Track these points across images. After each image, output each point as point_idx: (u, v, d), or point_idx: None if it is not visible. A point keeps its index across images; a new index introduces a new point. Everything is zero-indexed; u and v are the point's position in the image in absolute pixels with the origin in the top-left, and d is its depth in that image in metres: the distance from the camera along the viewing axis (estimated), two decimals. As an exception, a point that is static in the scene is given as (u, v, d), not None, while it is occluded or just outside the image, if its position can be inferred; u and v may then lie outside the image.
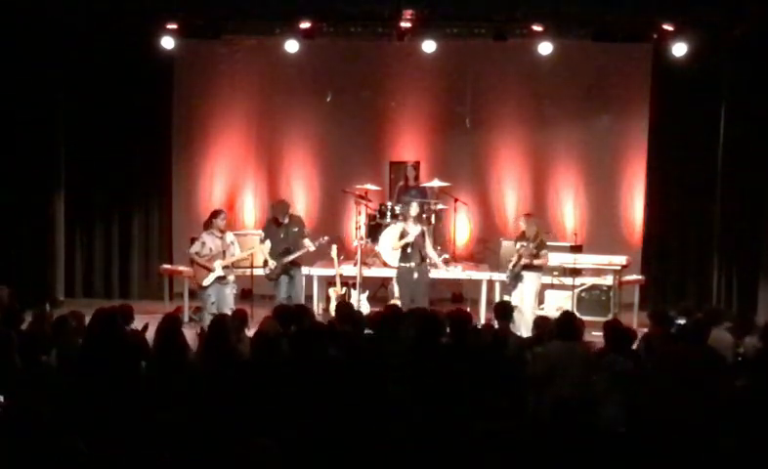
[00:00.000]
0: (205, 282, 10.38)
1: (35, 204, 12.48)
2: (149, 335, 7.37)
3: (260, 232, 12.41)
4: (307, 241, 10.71)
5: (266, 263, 10.79)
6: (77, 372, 6.07)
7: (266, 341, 6.61)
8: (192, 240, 12.11)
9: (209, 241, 10.42)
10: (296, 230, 10.81)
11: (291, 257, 10.67)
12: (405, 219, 10.81)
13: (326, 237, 11.05)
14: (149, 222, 13.38)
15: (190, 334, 7.66)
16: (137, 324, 7.75)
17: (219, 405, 5.34)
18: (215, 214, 10.67)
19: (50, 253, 12.58)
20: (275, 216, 10.96)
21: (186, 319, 11.25)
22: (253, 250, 11.03)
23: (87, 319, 7.32)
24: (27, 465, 4.20)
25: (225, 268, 10.38)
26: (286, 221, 10.82)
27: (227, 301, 10.32)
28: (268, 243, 10.78)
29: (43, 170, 12.49)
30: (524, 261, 10.21)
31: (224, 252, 10.42)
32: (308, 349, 6.33)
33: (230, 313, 8.76)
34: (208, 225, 10.62)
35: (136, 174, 13.22)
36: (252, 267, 11.13)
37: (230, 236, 10.64)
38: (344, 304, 8.94)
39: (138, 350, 6.79)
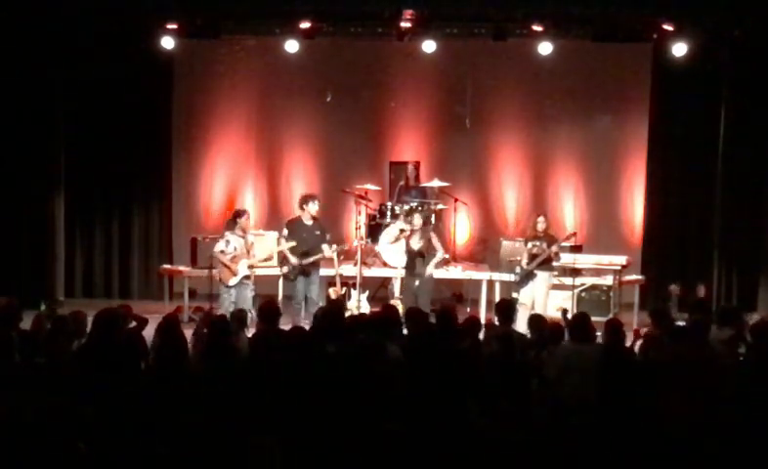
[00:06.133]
0: (231, 282, 10.31)
1: (35, 204, 12.48)
2: (148, 335, 7.38)
3: (260, 231, 12.44)
4: (325, 247, 10.59)
5: (284, 261, 10.71)
6: (71, 373, 6.07)
7: (263, 340, 6.62)
8: (193, 240, 12.14)
9: (233, 241, 10.36)
10: (318, 233, 10.69)
11: (310, 260, 10.57)
12: (411, 230, 10.81)
13: (343, 246, 11.01)
14: (149, 222, 13.37)
15: (189, 334, 7.65)
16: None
17: (219, 404, 5.34)
18: (239, 214, 10.61)
19: (50, 253, 12.57)
20: (302, 212, 10.75)
21: (186, 319, 11.24)
22: (271, 255, 10.99)
23: (89, 319, 7.32)
24: (28, 465, 4.20)
25: (250, 267, 10.36)
26: (311, 223, 10.70)
27: (247, 303, 10.22)
28: (291, 242, 10.68)
29: (43, 170, 12.48)
30: (544, 256, 10.21)
31: (248, 252, 10.40)
32: (305, 347, 6.35)
33: (250, 314, 8.76)
34: (230, 224, 10.58)
35: (136, 174, 13.20)
36: (252, 267, 11.11)
37: (251, 237, 10.59)
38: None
39: (137, 350, 6.79)
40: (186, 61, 13.24)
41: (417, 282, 10.55)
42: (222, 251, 10.38)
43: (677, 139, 12.91)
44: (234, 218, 10.61)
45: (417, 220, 10.77)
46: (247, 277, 10.38)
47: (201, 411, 5.18)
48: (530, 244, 10.44)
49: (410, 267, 10.69)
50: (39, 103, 12.26)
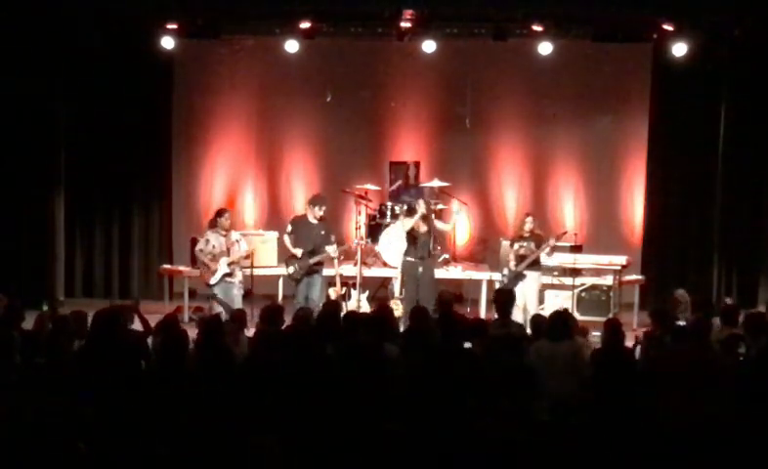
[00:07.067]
0: (212, 281, 10.34)
1: (35, 204, 12.48)
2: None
3: (260, 231, 12.49)
4: (329, 248, 10.52)
5: (289, 261, 10.62)
6: (72, 373, 6.07)
7: (263, 340, 6.62)
8: (193, 240, 12.13)
9: (213, 239, 10.39)
10: (323, 232, 10.60)
11: (315, 259, 10.50)
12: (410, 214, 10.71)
13: (344, 247, 10.99)
14: (149, 222, 13.37)
15: (189, 334, 7.65)
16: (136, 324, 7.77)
17: (218, 404, 5.34)
18: (220, 213, 10.64)
19: (50, 253, 12.57)
20: (309, 210, 10.67)
21: (186, 319, 11.24)
22: (253, 249, 10.97)
23: (89, 319, 7.32)
24: (28, 465, 4.20)
25: (230, 265, 10.33)
26: (315, 222, 10.61)
27: (235, 301, 10.23)
28: (287, 239, 10.61)
29: (43, 170, 12.48)
30: (532, 257, 10.19)
31: (228, 250, 10.37)
32: (304, 347, 6.35)
33: None
34: (213, 223, 10.61)
35: (136, 174, 13.20)
36: (252, 267, 11.11)
37: (235, 235, 10.58)
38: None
39: (137, 350, 6.79)
40: (186, 61, 13.24)
41: (421, 269, 10.39)
42: (200, 250, 10.42)
43: (677, 139, 12.90)
44: (215, 217, 10.63)
45: (422, 206, 10.58)
46: (229, 276, 10.35)
47: (201, 411, 5.18)
48: (516, 245, 10.35)
49: (412, 252, 10.43)
50: (39, 103, 12.26)
